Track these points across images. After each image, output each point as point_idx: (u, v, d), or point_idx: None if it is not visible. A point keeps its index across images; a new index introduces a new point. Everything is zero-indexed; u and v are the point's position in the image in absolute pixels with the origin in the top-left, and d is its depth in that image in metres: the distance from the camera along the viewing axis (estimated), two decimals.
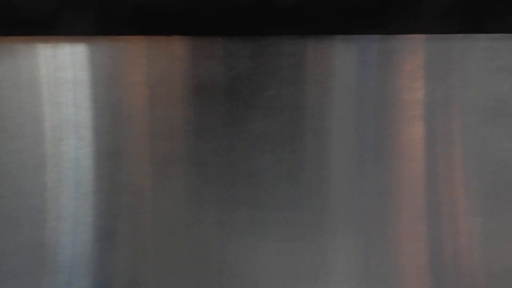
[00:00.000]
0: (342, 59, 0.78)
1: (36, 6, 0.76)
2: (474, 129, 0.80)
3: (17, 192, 0.80)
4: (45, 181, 0.80)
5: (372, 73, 0.79)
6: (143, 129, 0.79)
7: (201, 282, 0.80)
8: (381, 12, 0.76)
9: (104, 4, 0.76)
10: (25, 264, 0.80)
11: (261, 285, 0.81)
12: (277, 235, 0.80)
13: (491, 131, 0.80)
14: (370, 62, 0.78)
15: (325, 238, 0.81)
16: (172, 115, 0.79)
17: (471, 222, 0.81)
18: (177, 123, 0.79)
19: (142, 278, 0.81)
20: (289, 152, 0.79)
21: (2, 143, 0.80)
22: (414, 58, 0.79)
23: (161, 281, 0.80)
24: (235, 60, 0.78)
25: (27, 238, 0.80)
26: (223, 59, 0.77)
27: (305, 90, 0.79)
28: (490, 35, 0.78)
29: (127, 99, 0.79)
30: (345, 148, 0.80)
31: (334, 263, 0.81)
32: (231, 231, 0.80)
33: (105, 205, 0.80)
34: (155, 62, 0.78)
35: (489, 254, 0.81)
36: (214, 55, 0.77)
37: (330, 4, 0.76)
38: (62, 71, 0.79)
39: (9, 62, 0.79)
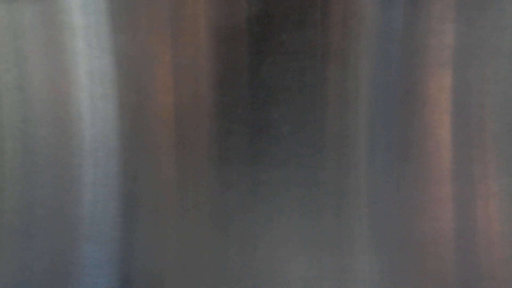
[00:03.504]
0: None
1: None
2: (508, 76, 0.75)
3: (31, 146, 0.77)
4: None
5: (397, 15, 0.74)
6: (159, 75, 0.75)
7: (223, 243, 0.77)
8: None
9: None
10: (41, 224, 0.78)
11: (280, 245, 0.77)
12: (291, 194, 0.76)
13: None
14: (395, 3, 0.73)
15: (345, 197, 0.76)
16: (192, 63, 0.75)
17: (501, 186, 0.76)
18: (198, 71, 0.75)
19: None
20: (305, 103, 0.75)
21: (13, 96, 0.76)
22: None
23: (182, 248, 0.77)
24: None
25: (43, 197, 0.77)
26: None
27: (325, 34, 0.74)
28: None
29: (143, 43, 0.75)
30: (367, 97, 0.75)
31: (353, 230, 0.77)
32: (248, 188, 0.76)
33: (129, 164, 0.76)
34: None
35: None
36: None
37: None
38: (72, 15, 0.75)
39: (11, 7, 0.75)
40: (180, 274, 0.77)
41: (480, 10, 0.74)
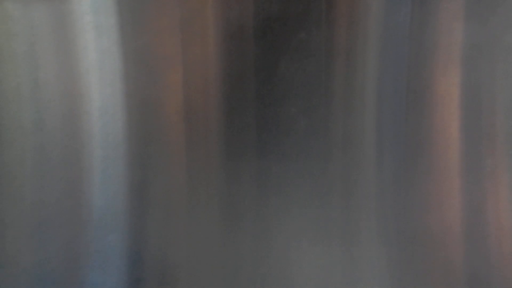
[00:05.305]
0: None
1: None
2: None
3: (44, 142, 0.77)
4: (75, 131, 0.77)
5: (408, 14, 0.74)
6: (173, 75, 0.75)
7: (233, 234, 0.78)
8: None
9: None
10: (54, 217, 0.78)
11: (292, 236, 0.78)
12: (305, 187, 0.77)
13: None
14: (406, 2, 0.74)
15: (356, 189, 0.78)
16: (202, 61, 0.75)
17: None
18: (207, 70, 0.75)
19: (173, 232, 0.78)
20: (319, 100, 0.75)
21: (26, 93, 0.76)
22: None
23: (192, 234, 0.78)
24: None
25: (56, 190, 0.77)
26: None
27: (337, 32, 0.74)
28: None
29: (156, 44, 0.75)
30: (377, 97, 0.76)
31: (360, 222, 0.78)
32: (257, 182, 0.77)
33: (136, 155, 0.77)
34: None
35: None
36: None
37: None
38: (87, 16, 0.75)
39: (31, 8, 0.75)
40: (192, 268, 0.78)
41: (491, 7, 0.74)
